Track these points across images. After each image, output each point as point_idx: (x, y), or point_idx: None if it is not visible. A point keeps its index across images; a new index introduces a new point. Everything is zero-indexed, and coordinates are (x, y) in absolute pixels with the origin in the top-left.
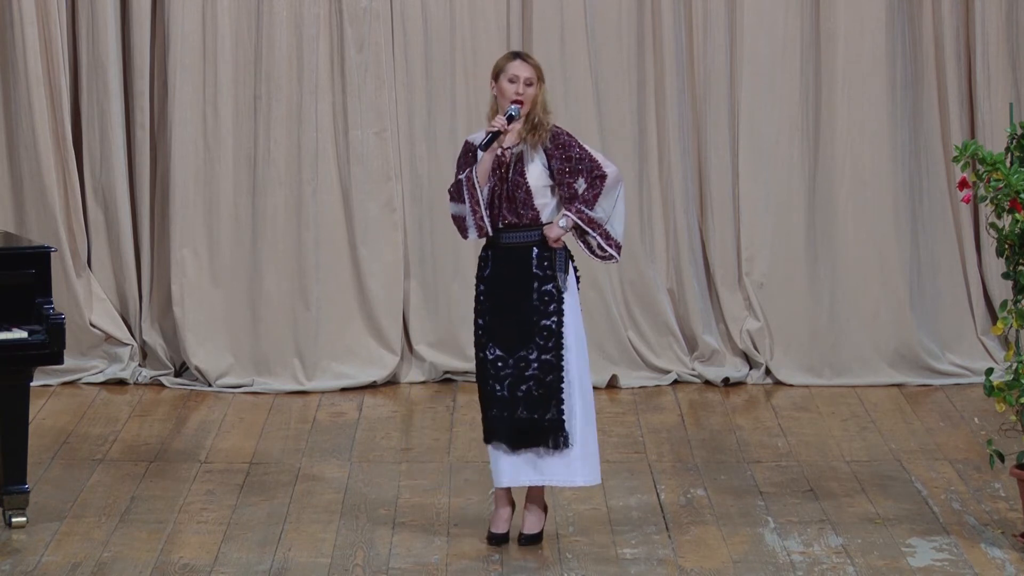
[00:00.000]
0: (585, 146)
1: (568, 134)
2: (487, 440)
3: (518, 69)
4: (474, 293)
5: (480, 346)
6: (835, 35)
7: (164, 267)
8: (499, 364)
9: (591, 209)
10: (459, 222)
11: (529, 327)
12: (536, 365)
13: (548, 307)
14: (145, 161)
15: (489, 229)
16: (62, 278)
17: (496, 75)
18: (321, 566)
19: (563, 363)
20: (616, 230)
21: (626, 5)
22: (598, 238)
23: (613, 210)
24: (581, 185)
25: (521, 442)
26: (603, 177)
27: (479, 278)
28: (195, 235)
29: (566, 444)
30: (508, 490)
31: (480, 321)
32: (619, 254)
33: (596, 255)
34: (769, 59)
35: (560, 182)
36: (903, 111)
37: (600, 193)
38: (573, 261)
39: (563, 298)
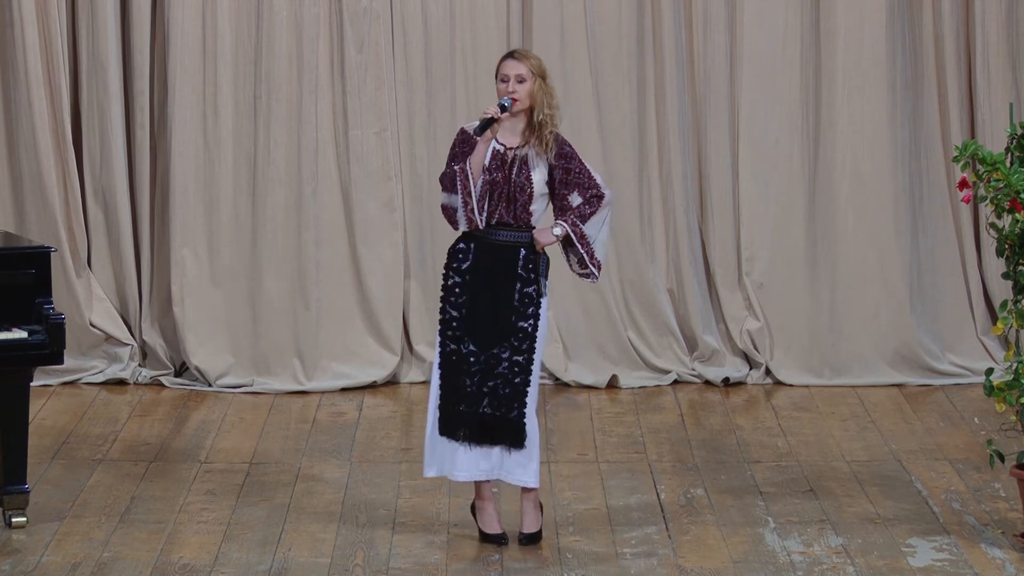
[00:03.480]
0: (584, 162)
1: (571, 146)
2: (445, 433)
3: (508, 68)
4: (443, 283)
5: (454, 339)
6: (835, 35)
7: (164, 267)
8: (471, 359)
9: (584, 224)
10: (449, 212)
11: (506, 326)
12: (506, 364)
13: (527, 309)
14: (145, 161)
15: (480, 222)
16: (62, 278)
17: (496, 77)
18: (321, 566)
19: (532, 366)
20: (599, 251)
21: (626, 5)
22: (584, 254)
23: (600, 232)
24: (575, 199)
25: (482, 438)
26: (601, 198)
27: (454, 270)
28: (195, 235)
29: (522, 444)
30: (484, 486)
31: (455, 313)
32: (599, 273)
33: (575, 269)
34: (769, 59)
35: (556, 193)
36: (903, 111)
37: (595, 212)
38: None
39: (540, 302)
